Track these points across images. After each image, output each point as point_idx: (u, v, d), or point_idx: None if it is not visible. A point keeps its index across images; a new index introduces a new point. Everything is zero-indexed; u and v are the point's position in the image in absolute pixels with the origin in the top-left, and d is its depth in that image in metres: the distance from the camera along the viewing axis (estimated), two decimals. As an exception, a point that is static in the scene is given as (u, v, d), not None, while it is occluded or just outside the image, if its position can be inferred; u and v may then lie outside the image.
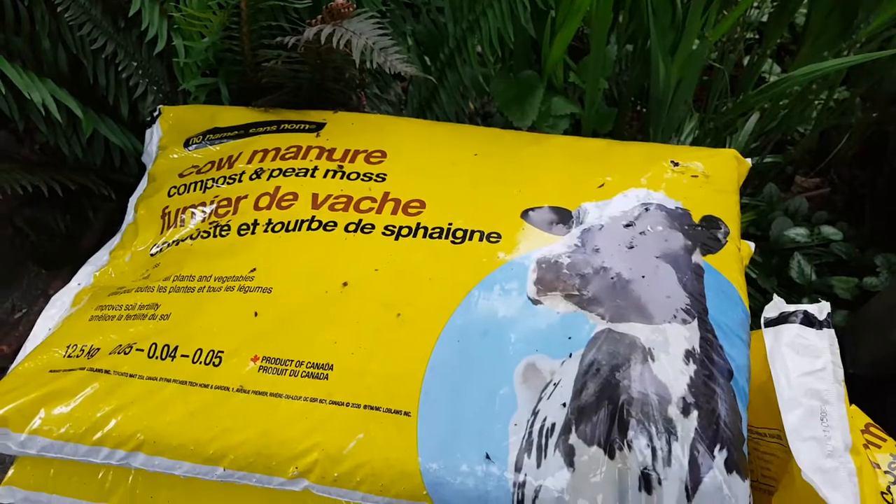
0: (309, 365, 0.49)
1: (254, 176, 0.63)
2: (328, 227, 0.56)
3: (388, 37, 0.62)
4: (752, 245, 0.67)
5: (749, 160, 0.64)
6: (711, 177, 0.58)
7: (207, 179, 0.65)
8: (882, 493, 0.52)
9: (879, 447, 0.58)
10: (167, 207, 0.65)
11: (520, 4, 0.76)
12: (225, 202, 0.61)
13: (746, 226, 1.10)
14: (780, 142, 1.20)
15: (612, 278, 0.50)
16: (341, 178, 0.61)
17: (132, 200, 0.72)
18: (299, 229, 0.57)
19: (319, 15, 0.65)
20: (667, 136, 0.99)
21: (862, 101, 1.15)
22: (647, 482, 0.43)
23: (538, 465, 0.44)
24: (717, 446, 0.43)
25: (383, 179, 0.60)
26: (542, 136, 0.68)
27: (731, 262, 0.52)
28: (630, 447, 0.43)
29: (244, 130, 0.69)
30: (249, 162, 0.64)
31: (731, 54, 1.10)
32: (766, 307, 0.51)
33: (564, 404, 0.45)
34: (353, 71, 0.73)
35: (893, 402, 0.86)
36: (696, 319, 0.48)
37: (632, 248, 0.52)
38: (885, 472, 0.56)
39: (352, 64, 0.70)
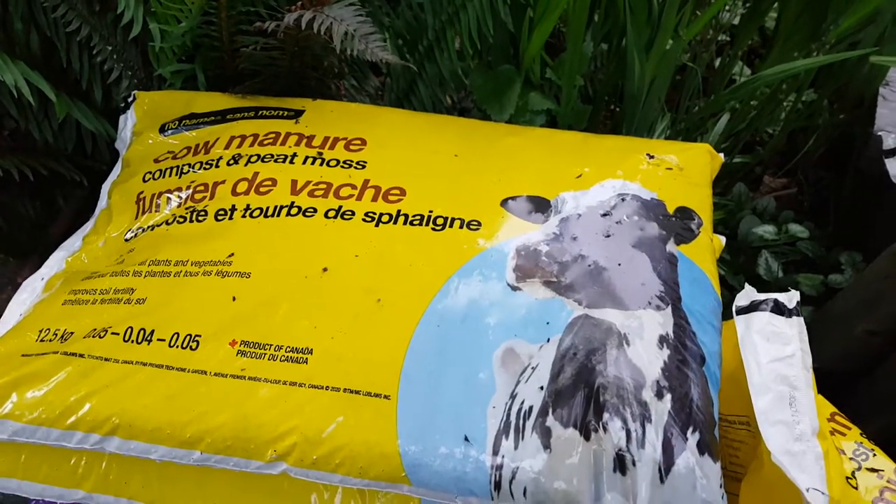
0: (288, 349, 0.49)
1: (231, 161, 0.62)
2: (308, 213, 0.56)
3: (368, 24, 0.62)
4: (723, 239, 0.68)
5: (721, 155, 0.65)
6: (685, 169, 0.59)
7: (184, 165, 0.64)
8: (847, 477, 0.54)
9: (844, 434, 0.59)
10: (142, 193, 0.64)
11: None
12: (202, 187, 0.61)
13: (716, 224, 1.13)
14: (750, 142, 1.23)
15: (589, 266, 0.51)
16: (321, 164, 0.60)
17: (105, 186, 0.71)
18: (278, 215, 0.57)
19: (300, 1, 0.65)
20: (639, 134, 1.01)
21: (829, 104, 1.18)
22: (621, 464, 0.43)
23: (515, 447, 0.44)
24: (690, 429, 0.44)
25: (363, 167, 0.60)
26: (521, 127, 0.69)
27: (703, 252, 0.54)
28: (605, 429, 0.44)
29: (221, 116, 0.68)
30: (227, 147, 0.64)
31: (704, 55, 1.12)
32: (738, 296, 0.53)
33: (542, 387, 0.46)
34: (331, 59, 0.73)
35: (857, 397, 0.89)
36: (669, 306, 0.49)
37: (608, 236, 0.53)
38: (851, 459, 0.57)
39: (331, 52, 0.70)
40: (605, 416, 0.44)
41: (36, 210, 0.89)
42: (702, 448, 0.44)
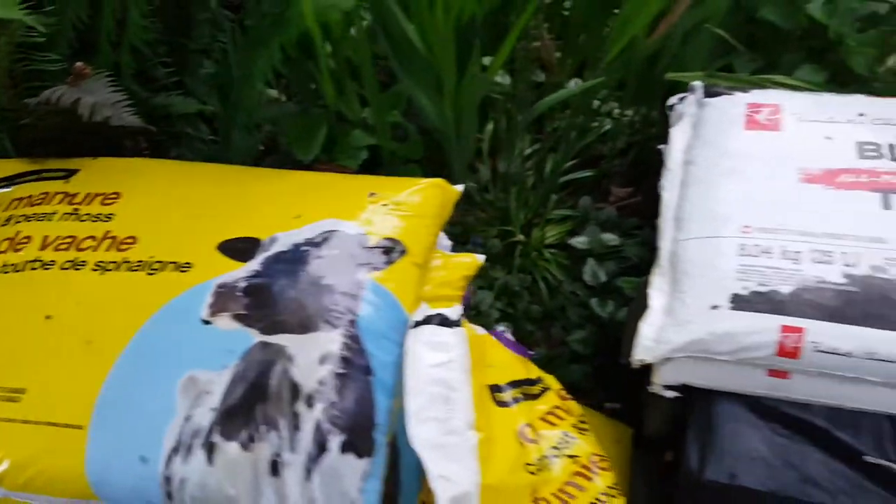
0: (8, 390, 0.57)
1: (4, 223, 0.70)
2: (47, 266, 0.64)
3: (119, 94, 0.70)
4: (480, 257, 0.74)
5: (460, 187, 0.73)
6: (404, 204, 0.67)
7: (-30, 229, 0.71)
8: (528, 464, 0.61)
9: (555, 425, 0.66)
10: (-63, 257, 0.71)
11: (276, 56, 0.85)
12: (-24, 249, 0.68)
13: (564, 235, 1.21)
14: (599, 156, 1.31)
15: (276, 297, 0.59)
16: (74, 220, 0.68)
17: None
18: (24, 270, 0.64)
19: (69, 77, 0.73)
20: (462, 164, 1.08)
21: (660, 115, 1.26)
22: (274, 467, 0.51)
23: (184, 462, 0.52)
24: (337, 432, 0.52)
25: (109, 219, 0.67)
26: (273, 172, 0.76)
27: (399, 277, 0.61)
28: (262, 439, 0.52)
29: (9, 181, 0.75)
30: (6, 210, 0.71)
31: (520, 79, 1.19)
32: (414, 313, 0.60)
33: (213, 409, 0.54)
34: (123, 121, 0.81)
35: (644, 393, 0.96)
36: (340, 327, 0.56)
37: (304, 271, 0.60)
38: (553, 447, 0.64)
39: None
40: (262, 428, 0.52)
41: None
42: (345, 448, 0.51)
